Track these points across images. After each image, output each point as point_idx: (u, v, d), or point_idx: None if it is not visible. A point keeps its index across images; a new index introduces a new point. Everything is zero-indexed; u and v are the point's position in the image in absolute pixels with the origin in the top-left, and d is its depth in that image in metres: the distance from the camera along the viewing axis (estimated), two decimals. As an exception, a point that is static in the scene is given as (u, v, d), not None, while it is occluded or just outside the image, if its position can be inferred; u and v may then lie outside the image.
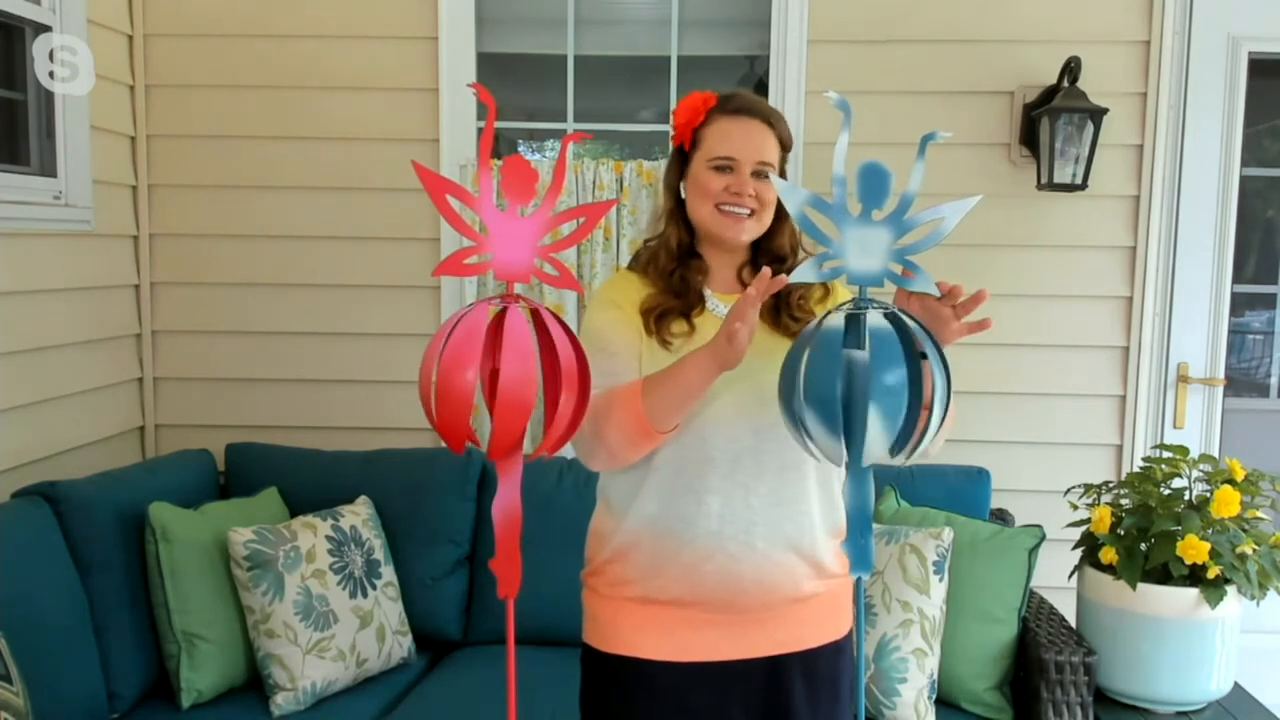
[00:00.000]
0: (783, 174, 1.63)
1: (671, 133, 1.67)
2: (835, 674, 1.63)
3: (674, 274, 1.61)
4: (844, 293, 1.65)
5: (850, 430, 1.22)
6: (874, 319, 1.21)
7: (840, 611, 1.65)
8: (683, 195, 1.62)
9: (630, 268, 1.69)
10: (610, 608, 1.61)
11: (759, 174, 1.57)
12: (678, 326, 1.57)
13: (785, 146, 1.63)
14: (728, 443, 1.52)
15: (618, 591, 1.59)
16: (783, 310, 1.59)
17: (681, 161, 1.64)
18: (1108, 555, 2.26)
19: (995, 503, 2.74)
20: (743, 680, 1.56)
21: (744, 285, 1.63)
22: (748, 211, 1.56)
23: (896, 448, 1.25)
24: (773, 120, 1.60)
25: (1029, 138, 2.88)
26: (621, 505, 1.58)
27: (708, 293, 1.61)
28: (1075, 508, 2.45)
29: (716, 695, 1.56)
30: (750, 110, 1.60)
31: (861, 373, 1.19)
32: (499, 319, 1.19)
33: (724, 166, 1.57)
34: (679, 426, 1.50)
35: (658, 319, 1.57)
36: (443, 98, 2.95)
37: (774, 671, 1.57)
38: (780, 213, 1.61)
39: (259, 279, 3.04)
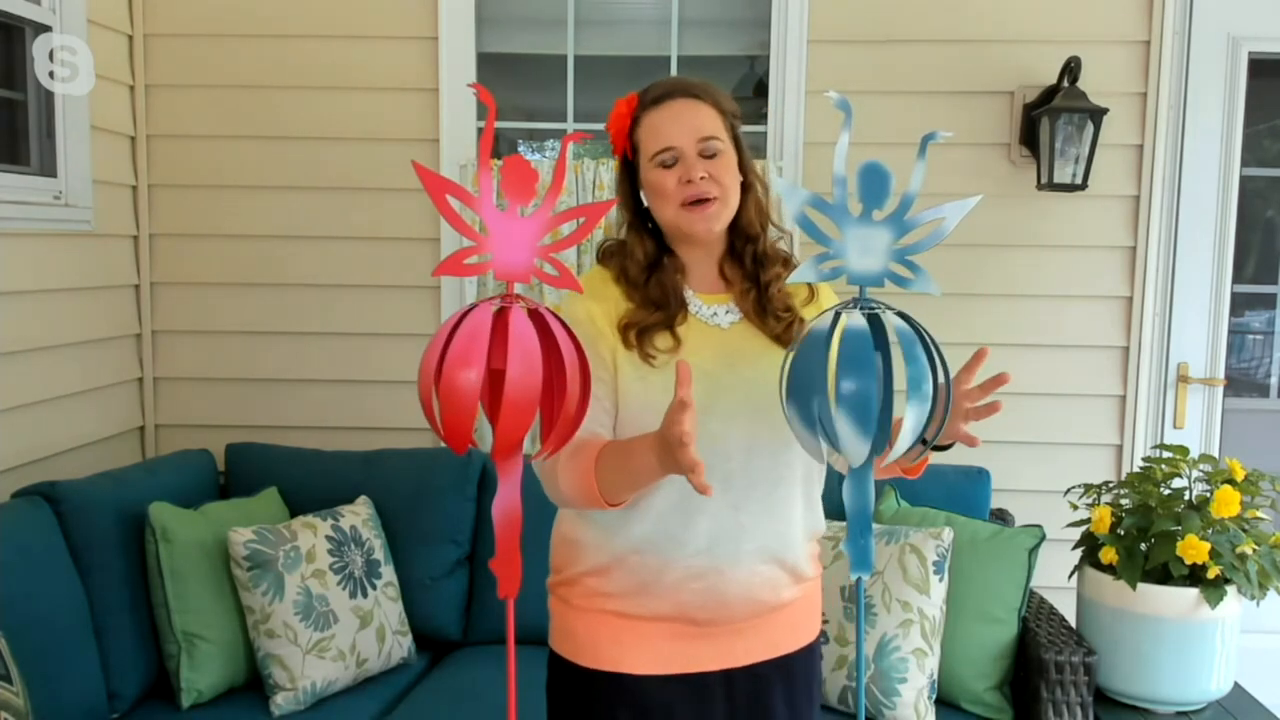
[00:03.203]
0: (736, 140, 1.54)
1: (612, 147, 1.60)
2: (810, 676, 1.63)
3: (649, 282, 1.53)
4: (828, 293, 1.63)
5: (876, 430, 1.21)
6: (855, 321, 1.19)
7: (813, 614, 1.64)
8: (645, 204, 1.56)
9: (603, 264, 1.59)
10: (587, 621, 1.56)
11: (707, 153, 1.49)
12: (662, 341, 1.49)
13: (727, 113, 1.53)
14: (720, 462, 1.45)
15: (594, 604, 1.54)
16: (769, 311, 1.54)
17: (630, 171, 1.56)
18: (1108, 555, 2.26)
19: (995, 503, 2.74)
20: (724, 690, 1.54)
21: (726, 281, 1.58)
22: (708, 198, 1.49)
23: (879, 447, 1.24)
24: (698, 92, 1.52)
25: (1029, 138, 2.88)
26: (610, 523, 1.50)
27: (689, 294, 1.55)
28: (1075, 508, 2.45)
29: (699, 706, 1.53)
30: (670, 93, 1.52)
31: (888, 373, 1.20)
32: (499, 320, 1.19)
33: (668, 160, 1.49)
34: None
35: (639, 335, 1.49)
36: (443, 98, 2.96)
37: (754, 679, 1.55)
38: (742, 188, 1.55)
39: (259, 279, 3.04)
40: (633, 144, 1.55)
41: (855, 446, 1.20)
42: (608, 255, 1.60)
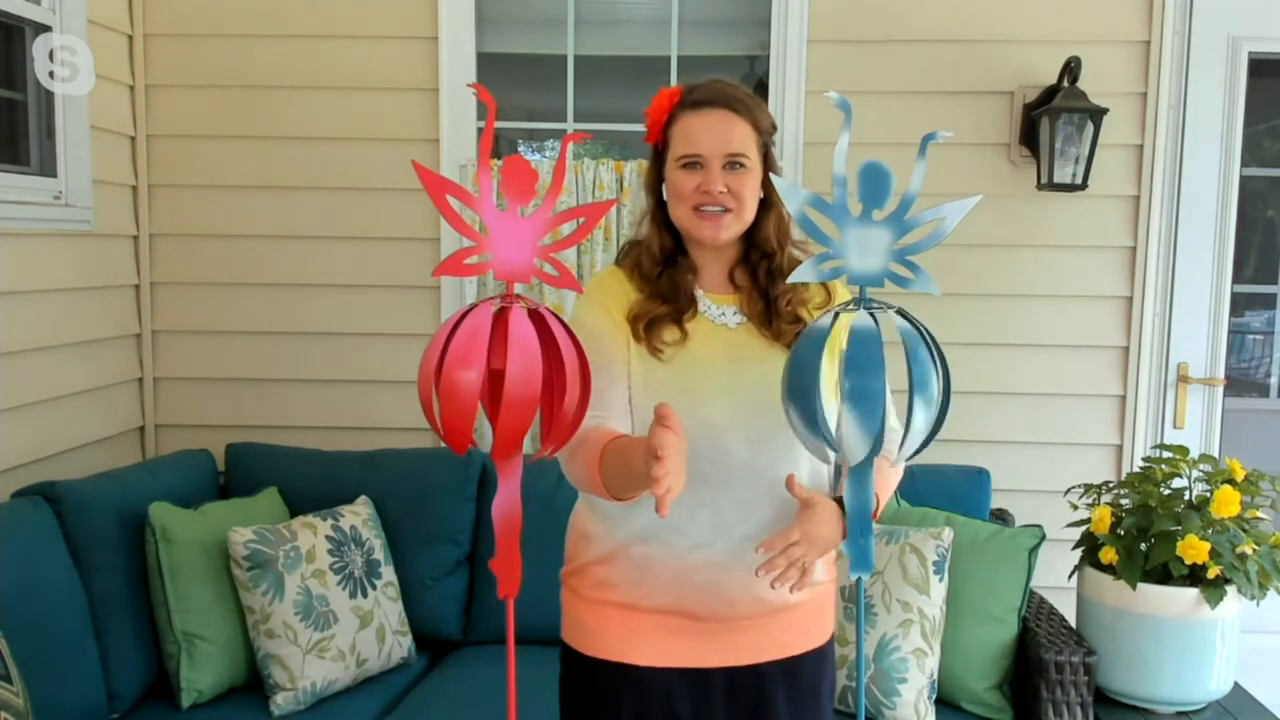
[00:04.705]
0: (768, 157, 1.56)
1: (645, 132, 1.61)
2: (818, 680, 1.62)
3: (660, 277, 1.56)
4: (845, 294, 1.63)
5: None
6: (862, 319, 1.19)
7: (824, 618, 1.64)
8: (664, 197, 1.57)
9: (619, 264, 1.62)
10: (594, 612, 1.58)
11: (732, 166, 1.51)
12: (669, 334, 1.51)
13: (762, 130, 1.54)
14: (722, 456, 1.48)
15: (601, 595, 1.56)
16: (774, 318, 1.55)
17: (658, 162, 1.58)
18: (1108, 555, 2.26)
19: (995, 503, 2.74)
20: (726, 686, 1.55)
21: (735, 286, 1.59)
22: (722, 209, 1.51)
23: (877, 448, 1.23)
24: (738, 107, 1.52)
25: (1029, 138, 2.88)
26: (616, 513, 1.52)
27: (699, 293, 1.56)
28: (1075, 508, 2.45)
29: (701, 702, 1.54)
30: (712, 101, 1.52)
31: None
32: (499, 319, 1.19)
33: (692, 164, 1.51)
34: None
35: (647, 327, 1.51)
36: (443, 98, 2.95)
37: (758, 679, 1.56)
38: (765, 204, 1.56)
39: (259, 279, 3.04)
40: (665, 138, 1.56)
41: (858, 445, 1.20)
42: (624, 255, 1.63)
